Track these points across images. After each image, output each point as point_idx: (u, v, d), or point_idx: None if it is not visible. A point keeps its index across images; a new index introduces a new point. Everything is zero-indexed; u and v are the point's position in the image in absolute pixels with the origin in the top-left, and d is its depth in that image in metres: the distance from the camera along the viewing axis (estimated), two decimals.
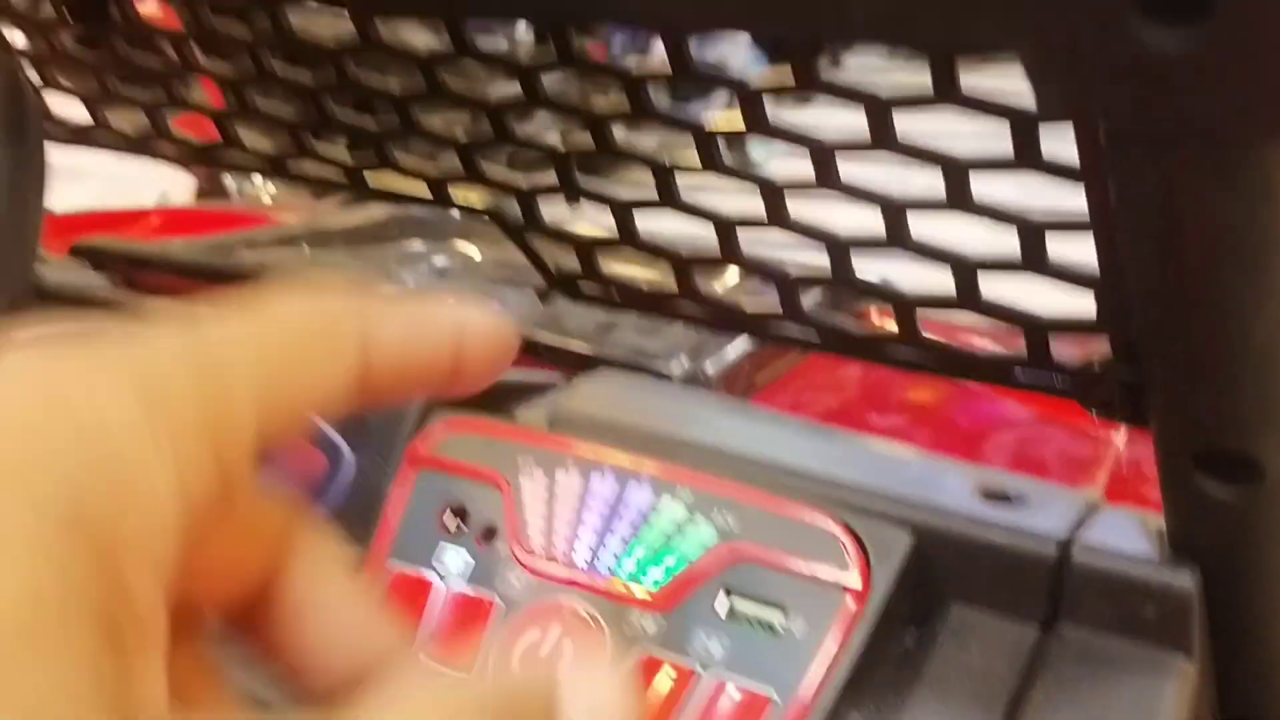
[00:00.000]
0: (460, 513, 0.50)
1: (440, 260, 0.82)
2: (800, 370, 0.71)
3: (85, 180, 2.20)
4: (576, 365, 0.61)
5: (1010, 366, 0.42)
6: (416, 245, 0.85)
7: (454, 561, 0.49)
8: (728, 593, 0.44)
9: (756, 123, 0.41)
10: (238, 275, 0.73)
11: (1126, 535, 0.43)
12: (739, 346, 0.64)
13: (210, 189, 2.60)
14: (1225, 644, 0.42)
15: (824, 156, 0.40)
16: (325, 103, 0.51)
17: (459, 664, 0.46)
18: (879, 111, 0.37)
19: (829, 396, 0.73)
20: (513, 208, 0.51)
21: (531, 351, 0.60)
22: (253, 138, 0.56)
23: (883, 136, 0.38)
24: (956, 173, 0.37)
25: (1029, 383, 0.42)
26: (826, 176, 0.41)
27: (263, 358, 0.23)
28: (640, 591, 0.45)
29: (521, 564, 0.47)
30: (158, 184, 2.42)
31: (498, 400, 0.56)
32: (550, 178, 0.48)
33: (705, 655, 0.44)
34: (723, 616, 0.44)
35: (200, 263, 0.75)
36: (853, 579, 0.43)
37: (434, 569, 0.49)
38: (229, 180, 2.72)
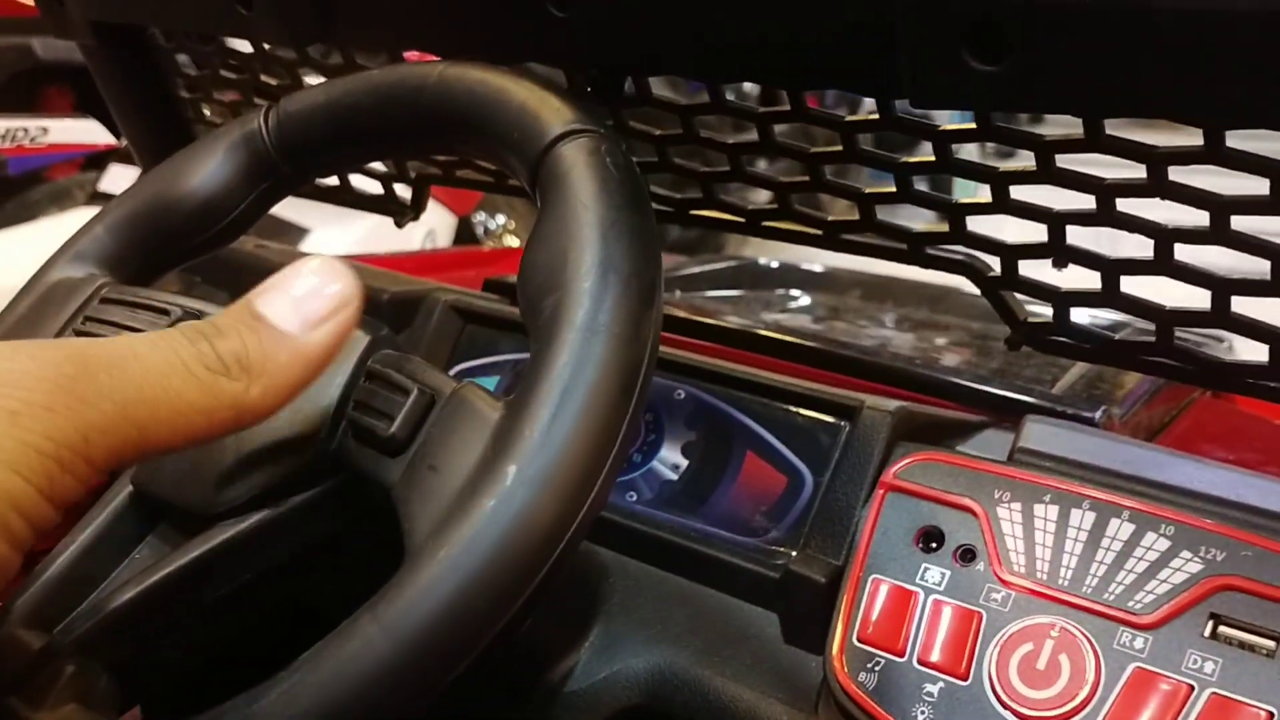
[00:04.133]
0: (934, 534, 0.56)
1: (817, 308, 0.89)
2: (1191, 416, 0.76)
3: (363, 218, 2.37)
4: (991, 406, 0.67)
5: None
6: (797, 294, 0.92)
7: (933, 576, 0.55)
8: (1215, 619, 0.49)
9: None
10: None
11: None
12: (1143, 393, 0.69)
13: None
14: None
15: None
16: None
17: (954, 668, 0.52)
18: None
19: (1221, 445, 0.76)
20: (989, 263, 0.57)
21: (955, 395, 0.66)
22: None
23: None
24: None
25: None
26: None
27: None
28: (1128, 612, 0.50)
29: (1005, 583, 0.53)
30: (425, 224, 2.59)
31: (938, 435, 0.62)
32: (1039, 238, 0.55)
33: (1197, 673, 0.48)
34: (1210, 638, 0.48)
35: None
36: None
37: (914, 582, 0.55)
38: (478, 224, 2.89)
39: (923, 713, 0.52)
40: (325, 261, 0.40)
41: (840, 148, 0.57)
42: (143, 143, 0.93)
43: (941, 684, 0.52)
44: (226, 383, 0.36)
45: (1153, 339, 0.54)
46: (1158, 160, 0.48)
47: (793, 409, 0.64)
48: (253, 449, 0.47)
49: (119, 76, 0.88)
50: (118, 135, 2.42)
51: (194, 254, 0.62)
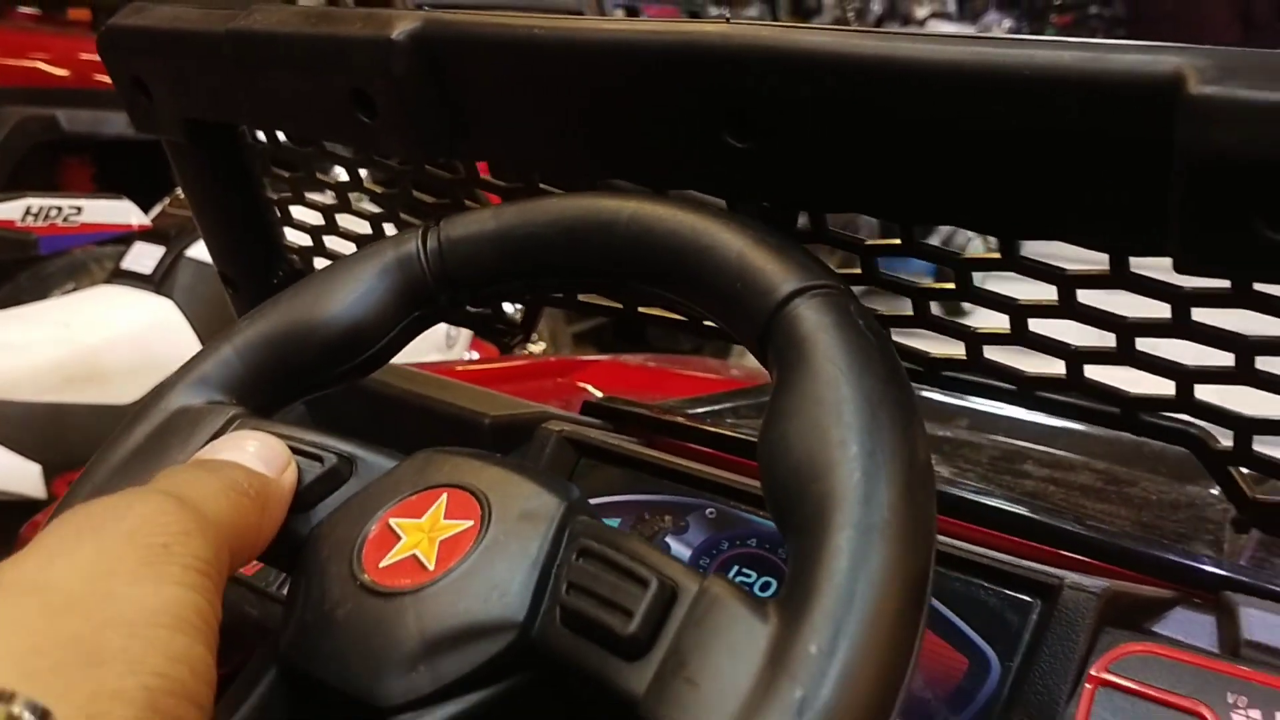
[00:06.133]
0: None
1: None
2: None
3: None
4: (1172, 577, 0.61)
5: None
6: None
7: None
8: None
9: None
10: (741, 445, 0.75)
11: None
12: None
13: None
14: None
15: None
16: None
17: None
18: None
19: None
20: (1215, 435, 0.52)
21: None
22: None
23: None
24: None
25: None
26: None
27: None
28: None
29: None
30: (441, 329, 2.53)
31: (1136, 617, 0.56)
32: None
33: None
34: None
35: (711, 432, 0.77)
36: None
37: None
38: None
39: None
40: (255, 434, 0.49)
41: (1056, 301, 0.52)
42: (222, 243, 0.88)
43: None
44: (251, 505, 0.44)
45: None
46: None
47: (974, 581, 0.58)
48: (439, 630, 0.40)
49: (206, 175, 0.83)
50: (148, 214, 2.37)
51: (329, 384, 0.56)
